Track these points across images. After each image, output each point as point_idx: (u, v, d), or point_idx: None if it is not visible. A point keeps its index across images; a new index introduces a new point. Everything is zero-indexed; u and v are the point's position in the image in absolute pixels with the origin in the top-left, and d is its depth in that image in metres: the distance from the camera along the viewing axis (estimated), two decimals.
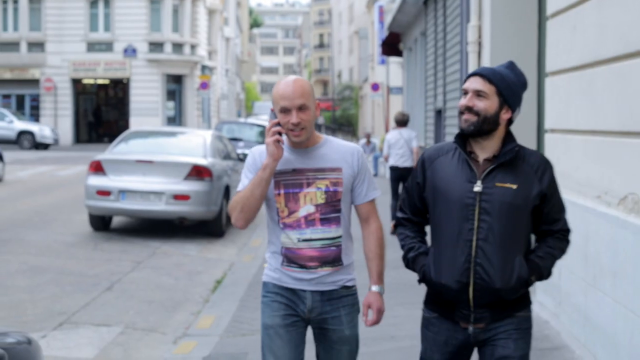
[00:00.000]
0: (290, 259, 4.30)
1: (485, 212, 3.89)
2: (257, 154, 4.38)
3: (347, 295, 4.38)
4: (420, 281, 4.14)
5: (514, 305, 4.00)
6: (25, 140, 41.54)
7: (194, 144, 15.23)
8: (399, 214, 4.27)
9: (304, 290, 4.31)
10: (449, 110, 16.55)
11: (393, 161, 15.53)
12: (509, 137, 4.01)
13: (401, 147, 15.38)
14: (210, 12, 58.48)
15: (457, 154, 4.03)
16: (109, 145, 16.64)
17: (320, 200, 4.26)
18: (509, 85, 3.94)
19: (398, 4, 23.93)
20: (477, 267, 3.89)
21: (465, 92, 3.98)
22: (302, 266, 4.28)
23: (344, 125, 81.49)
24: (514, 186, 3.90)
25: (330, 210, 4.28)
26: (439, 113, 18.68)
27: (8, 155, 28.62)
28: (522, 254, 3.96)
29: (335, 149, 4.37)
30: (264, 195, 4.23)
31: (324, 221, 4.27)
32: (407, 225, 4.24)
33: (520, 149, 4.00)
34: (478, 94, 3.92)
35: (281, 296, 4.34)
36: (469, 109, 3.93)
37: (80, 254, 12.58)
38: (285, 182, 4.27)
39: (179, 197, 13.99)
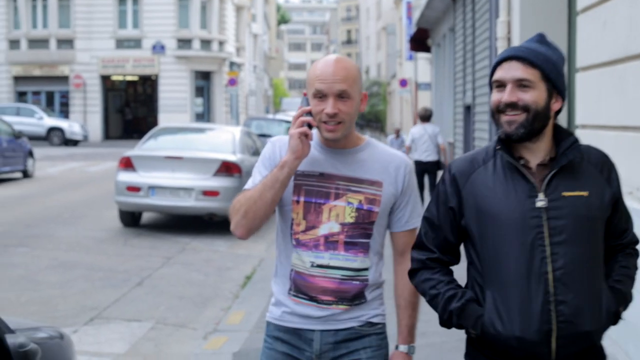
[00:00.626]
0: (300, 287, 3.37)
1: (558, 233, 2.92)
2: (278, 146, 3.44)
3: (370, 334, 3.44)
4: (474, 338, 3.11)
5: (599, 351, 3.10)
6: (54, 137, 41.80)
7: (223, 140, 15.25)
8: (420, 255, 3.21)
9: (312, 331, 3.38)
10: (478, 106, 16.52)
11: (417, 155, 16.10)
12: (559, 132, 3.09)
13: (425, 142, 15.97)
14: (238, 9, 58.57)
15: (499, 163, 3.06)
16: (138, 141, 16.72)
17: (349, 219, 3.31)
18: (554, 66, 3.03)
19: (426, 0, 23.88)
20: (559, 306, 2.89)
21: (500, 85, 3.01)
22: (312, 298, 3.36)
23: (372, 121, 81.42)
24: (585, 193, 2.99)
25: (359, 233, 3.33)
26: (467, 109, 18.66)
27: (38, 151, 28.81)
28: (605, 281, 3.06)
29: (379, 157, 3.40)
30: (276, 201, 3.29)
31: (349, 246, 3.32)
32: (435, 267, 3.18)
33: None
34: (521, 83, 2.96)
35: (282, 342, 3.43)
36: (512, 106, 2.96)
37: (110, 249, 12.65)
38: (309, 187, 3.34)
39: (208, 193, 14.03)
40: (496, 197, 3.00)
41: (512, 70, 2.98)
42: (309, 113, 3.26)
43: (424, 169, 16.04)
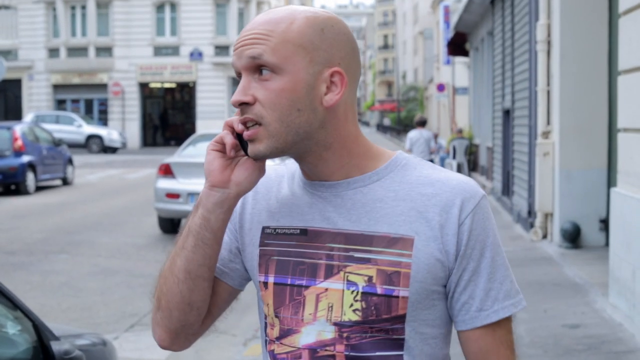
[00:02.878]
0: None
1: None
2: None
3: None
4: None
5: None
6: (93, 144, 42.17)
7: None
8: None
9: None
10: (518, 110, 16.42)
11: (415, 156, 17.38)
12: None
13: (421, 145, 18.97)
14: None
15: None
16: (176, 148, 16.80)
17: (351, 315, 1.71)
18: None
19: (464, 4, 23.80)
20: None
21: None
22: None
23: (409, 126, 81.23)
24: None
25: (375, 342, 1.72)
26: (507, 113, 18.56)
27: (77, 159, 29.05)
28: None
29: (411, 189, 1.74)
30: (198, 274, 1.84)
31: None
32: None
33: None
34: None
35: None
36: None
37: (150, 256, 12.68)
38: (283, 257, 1.81)
39: None
40: None
41: None
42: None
43: None
